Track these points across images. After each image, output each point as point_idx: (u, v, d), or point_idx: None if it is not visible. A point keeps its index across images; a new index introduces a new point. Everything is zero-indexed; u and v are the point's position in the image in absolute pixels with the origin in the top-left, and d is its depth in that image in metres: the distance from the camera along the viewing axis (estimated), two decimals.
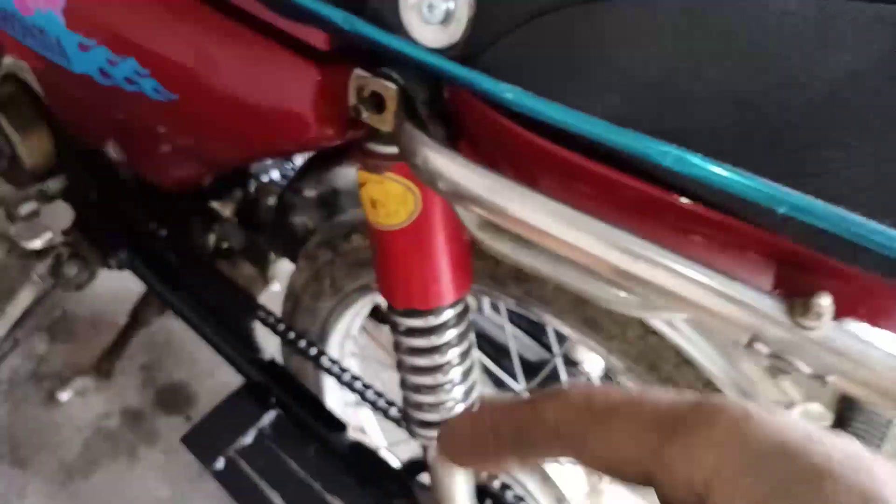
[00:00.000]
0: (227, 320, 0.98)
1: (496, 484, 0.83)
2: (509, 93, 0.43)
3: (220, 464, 0.87)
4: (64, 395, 1.34)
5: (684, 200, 0.41)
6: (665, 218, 0.44)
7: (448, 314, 0.65)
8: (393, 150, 0.55)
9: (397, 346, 0.69)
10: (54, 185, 1.10)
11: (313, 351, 0.91)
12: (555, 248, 0.45)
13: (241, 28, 0.62)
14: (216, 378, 1.44)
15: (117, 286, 1.25)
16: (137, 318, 1.27)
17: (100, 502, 1.25)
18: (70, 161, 1.04)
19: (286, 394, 0.92)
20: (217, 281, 0.98)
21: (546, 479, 0.90)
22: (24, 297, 1.11)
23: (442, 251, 0.61)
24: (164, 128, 0.76)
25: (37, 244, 0.99)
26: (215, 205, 1.01)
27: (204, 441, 0.89)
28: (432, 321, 0.65)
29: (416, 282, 0.62)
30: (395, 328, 0.68)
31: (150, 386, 1.41)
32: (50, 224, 1.03)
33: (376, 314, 1.13)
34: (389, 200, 0.58)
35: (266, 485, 0.86)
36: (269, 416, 0.90)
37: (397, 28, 0.48)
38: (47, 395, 1.36)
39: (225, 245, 1.04)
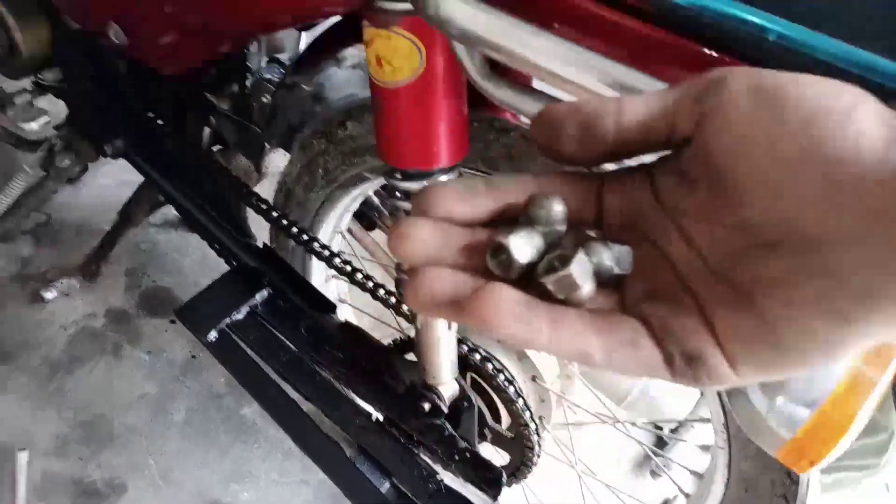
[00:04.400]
0: (220, 208, 1.02)
1: (476, 357, 0.90)
2: None
3: (212, 335, 0.91)
4: (49, 294, 1.36)
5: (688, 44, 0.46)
6: (664, 58, 0.49)
7: (444, 179, 0.70)
8: (403, 5, 0.60)
9: (393, 214, 0.74)
10: (50, 76, 1.11)
11: (305, 237, 0.95)
12: (562, 88, 0.50)
13: None
14: (200, 286, 1.47)
15: (101, 195, 1.27)
16: (127, 216, 1.29)
17: (84, 396, 1.29)
18: (67, 49, 1.05)
19: (278, 276, 0.96)
20: (211, 170, 1.01)
21: (522, 357, 0.96)
22: (17, 185, 1.13)
23: (442, 111, 0.65)
24: (170, 1, 0.79)
25: (34, 127, 1.01)
26: (212, 97, 1.04)
27: (197, 315, 0.93)
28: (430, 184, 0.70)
29: (416, 141, 0.67)
30: (391, 194, 0.73)
31: (135, 289, 1.45)
32: (47, 118, 1.05)
33: (362, 219, 1.18)
34: (395, 56, 0.62)
35: (259, 357, 0.91)
36: (261, 295, 0.95)
37: None
38: (32, 295, 1.39)
39: (220, 136, 1.07)
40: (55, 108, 1.16)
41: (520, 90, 0.57)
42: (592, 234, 0.31)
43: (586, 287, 0.27)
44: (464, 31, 0.52)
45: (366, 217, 1.17)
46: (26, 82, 1.13)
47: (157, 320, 1.41)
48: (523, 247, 0.28)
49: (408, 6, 0.58)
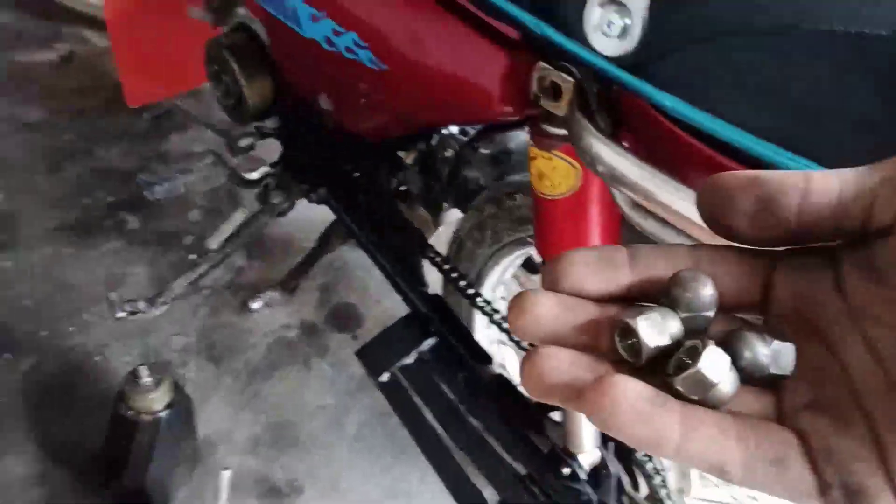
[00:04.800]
0: (400, 254, 1.13)
1: None
2: (669, 101, 0.52)
3: (384, 377, 1.03)
4: (255, 305, 1.56)
5: None
6: None
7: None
8: (563, 132, 0.66)
9: None
10: (269, 124, 1.29)
11: (471, 290, 1.04)
12: (696, 234, 0.54)
13: (447, 14, 0.74)
14: (382, 305, 1.62)
15: (307, 216, 1.43)
16: (325, 242, 1.46)
17: (276, 401, 1.48)
18: (285, 106, 1.21)
19: (444, 325, 1.06)
20: (395, 219, 1.13)
21: None
22: (236, 219, 1.32)
23: (595, 223, 0.71)
24: (372, 90, 0.90)
25: (254, 176, 1.18)
26: (401, 153, 1.16)
27: (373, 357, 1.05)
28: None
29: (571, 245, 0.73)
30: None
31: (326, 304, 1.62)
32: (265, 158, 1.21)
33: (528, 265, 1.25)
34: (554, 175, 0.69)
35: (420, 401, 1.01)
36: (428, 343, 1.05)
37: (579, 36, 0.57)
38: (241, 304, 1.60)
39: (404, 189, 1.19)
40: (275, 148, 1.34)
41: (664, 223, 0.62)
42: (750, 322, 0.28)
43: (723, 386, 0.24)
44: (608, 170, 0.57)
45: (532, 262, 1.24)
46: (250, 127, 1.31)
47: (341, 335, 1.58)
48: (654, 333, 0.25)
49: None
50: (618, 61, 0.56)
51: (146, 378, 1.17)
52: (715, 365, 0.23)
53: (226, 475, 1.26)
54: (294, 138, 1.23)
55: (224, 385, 1.50)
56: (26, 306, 1.59)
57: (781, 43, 0.47)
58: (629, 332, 0.25)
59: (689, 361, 0.24)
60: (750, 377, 0.25)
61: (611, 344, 0.26)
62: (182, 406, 1.24)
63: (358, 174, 1.15)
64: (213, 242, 1.35)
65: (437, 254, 1.09)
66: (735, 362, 0.24)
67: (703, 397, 0.24)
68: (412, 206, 1.19)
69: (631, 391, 0.22)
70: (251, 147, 1.33)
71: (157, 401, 1.17)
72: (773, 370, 0.25)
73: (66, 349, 1.52)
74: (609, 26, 0.54)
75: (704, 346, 0.24)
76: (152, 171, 1.24)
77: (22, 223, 1.73)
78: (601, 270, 0.27)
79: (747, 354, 0.25)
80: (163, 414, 1.18)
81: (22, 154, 1.87)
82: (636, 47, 0.54)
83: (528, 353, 0.26)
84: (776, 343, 0.25)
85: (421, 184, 1.14)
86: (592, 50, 0.57)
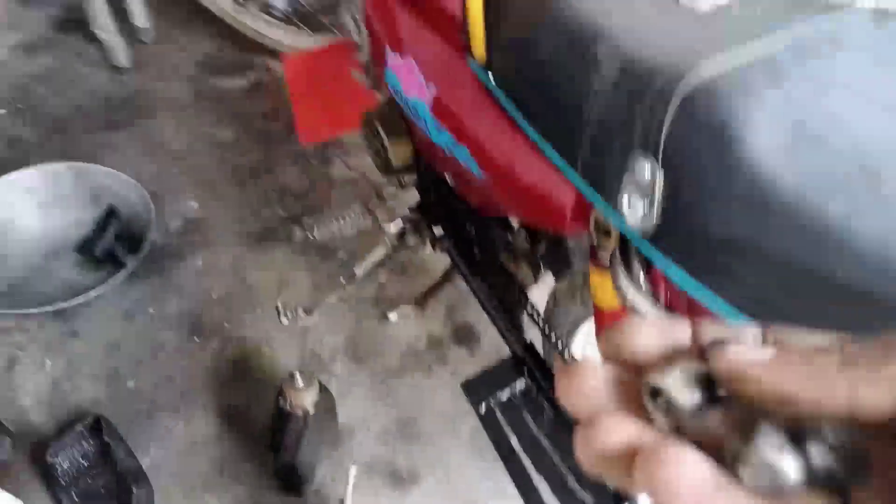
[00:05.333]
0: (503, 303, 1.35)
1: None
2: (674, 274, 0.70)
3: (482, 409, 1.26)
4: (392, 316, 1.84)
5: None
6: None
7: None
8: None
9: None
10: (408, 178, 1.54)
11: (560, 345, 1.24)
12: None
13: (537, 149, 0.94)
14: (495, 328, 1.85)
15: None
16: (449, 275, 1.70)
17: (404, 400, 1.75)
18: (421, 168, 1.46)
19: (536, 369, 1.27)
20: (501, 273, 1.35)
21: None
22: (378, 253, 1.59)
23: None
24: (478, 188, 1.12)
25: (392, 229, 1.44)
26: (511, 218, 1.37)
27: (475, 390, 1.28)
28: None
29: None
30: None
31: (450, 322, 1.87)
32: (403, 210, 1.46)
33: None
34: (604, 291, 0.87)
35: (510, 432, 1.23)
36: (520, 383, 1.26)
37: (616, 205, 0.76)
38: (381, 314, 1.88)
39: (512, 247, 1.39)
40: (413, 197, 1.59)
41: None
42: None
43: (791, 478, 0.21)
44: (631, 306, 0.76)
45: None
46: (393, 180, 1.57)
47: (461, 350, 1.82)
48: (684, 390, 0.23)
49: None
50: (640, 230, 0.74)
51: (299, 380, 1.47)
52: (783, 454, 0.21)
53: (352, 470, 1.55)
54: (426, 193, 1.47)
55: (363, 381, 1.80)
56: (214, 299, 1.96)
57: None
58: (657, 393, 0.24)
59: (756, 446, 0.21)
60: (815, 476, 0.21)
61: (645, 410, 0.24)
62: (327, 403, 1.54)
63: (474, 231, 1.37)
64: (360, 270, 1.63)
65: (534, 308, 1.29)
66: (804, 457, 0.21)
67: (768, 486, 0.21)
68: (518, 262, 1.40)
69: (693, 467, 0.20)
70: (394, 196, 1.59)
71: (307, 399, 1.48)
72: (844, 473, 0.21)
73: (242, 338, 1.87)
74: (632, 207, 0.72)
75: (767, 431, 0.21)
76: (315, 216, 1.53)
77: (213, 228, 2.11)
78: (659, 337, 0.25)
79: (815, 451, 0.21)
80: (311, 409, 1.48)
81: (215, 169, 2.25)
82: (652, 226, 0.72)
83: (581, 424, 0.24)
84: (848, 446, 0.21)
85: (526, 246, 1.34)
86: (623, 219, 0.75)
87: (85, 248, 2.01)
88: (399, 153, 1.49)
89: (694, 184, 0.66)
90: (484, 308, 1.37)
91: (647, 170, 0.70)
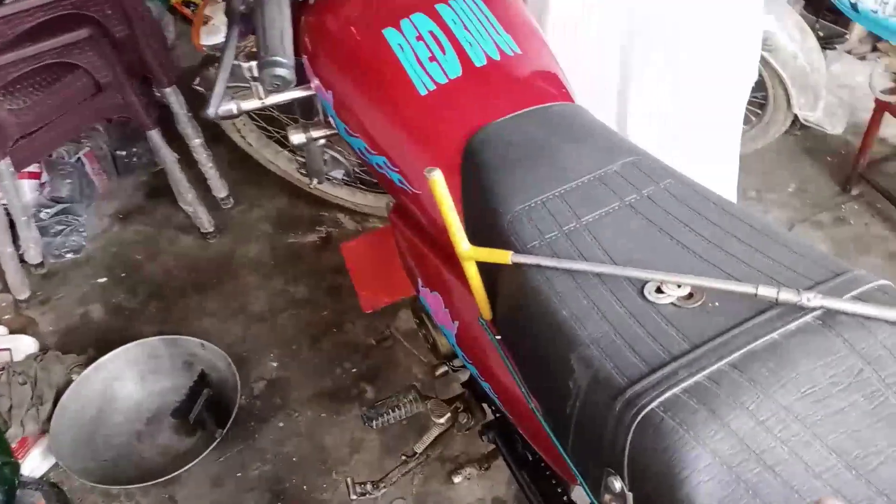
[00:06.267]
0: (543, 497, 1.40)
1: None
2: None
3: None
4: (457, 479, 1.91)
5: None
6: None
7: None
8: None
9: None
10: (457, 363, 1.63)
11: None
12: None
13: None
14: None
15: None
16: None
17: None
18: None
19: None
20: (540, 468, 1.40)
21: None
22: (433, 432, 1.68)
23: None
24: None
25: (440, 421, 1.53)
26: None
27: None
28: None
29: None
30: None
31: (513, 484, 1.92)
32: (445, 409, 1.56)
33: None
34: None
35: None
36: None
37: (600, 499, 0.82)
38: (447, 475, 1.96)
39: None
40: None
41: None
42: None
43: None
44: None
45: None
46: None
47: None
48: None
49: None
50: None
51: None
52: None
53: None
54: (473, 385, 1.56)
55: None
56: (294, 462, 2.10)
57: None
58: None
59: None
60: None
61: None
62: None
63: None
64: (419, 447, 1.72)
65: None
66: None
67: None
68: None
69: None
70: (445, 373, 1.69)
71: None
72: None
73: (319, 501, 1.99)
74: None
75: None
76: (374, 408, 1.65)
77: (291, 389, 2.26)
78: None
79: None
80: None
81: (291, 328, 2.42)
82: None
83: None
84: None
85: None
86: None
87: (179, 414, 2.20)
88: (443, 343, 1.59)
89: None
90: (525, 495, 1.43)
91: (617, 486, 0.77)
